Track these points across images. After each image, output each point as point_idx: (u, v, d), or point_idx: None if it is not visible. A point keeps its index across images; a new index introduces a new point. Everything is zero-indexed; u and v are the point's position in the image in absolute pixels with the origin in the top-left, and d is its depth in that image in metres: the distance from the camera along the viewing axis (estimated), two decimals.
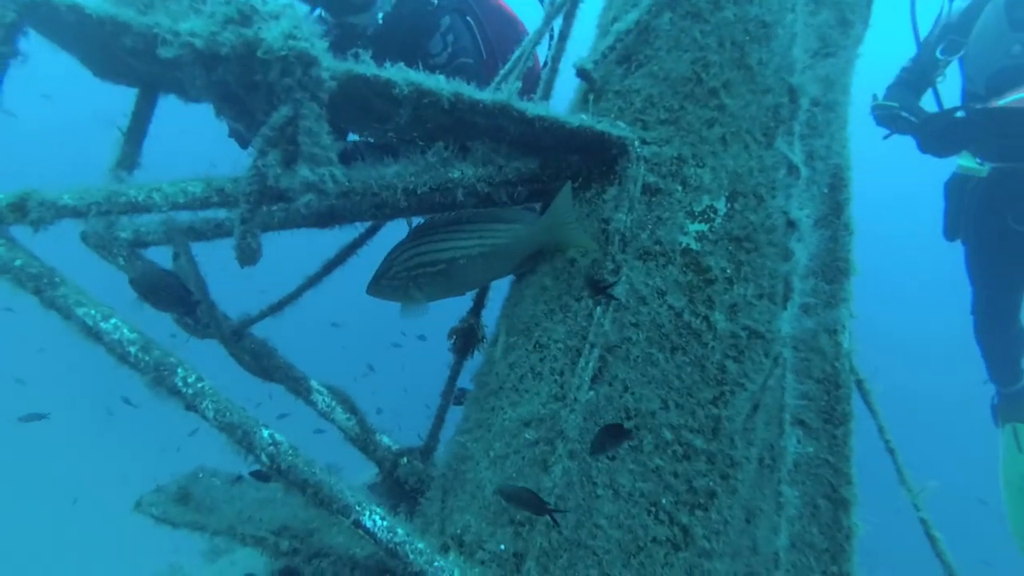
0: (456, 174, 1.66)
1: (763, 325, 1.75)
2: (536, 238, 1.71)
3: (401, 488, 2.03)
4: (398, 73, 1.57)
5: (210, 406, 1.52)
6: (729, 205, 1.73)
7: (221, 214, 2.12)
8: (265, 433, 1.52)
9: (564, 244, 1.68)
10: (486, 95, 1.60)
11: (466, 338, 2.16)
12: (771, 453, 1.86)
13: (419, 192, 1.65)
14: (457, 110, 1.61)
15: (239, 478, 1.88)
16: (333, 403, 2.07)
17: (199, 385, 1.54)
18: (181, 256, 2.11)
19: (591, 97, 1.79)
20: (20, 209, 1.54)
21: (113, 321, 1.56)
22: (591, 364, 1.59)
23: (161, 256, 2.21)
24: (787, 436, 1.55)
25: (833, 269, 1.95)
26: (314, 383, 2.09)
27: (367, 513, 1.49)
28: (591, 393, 1.58)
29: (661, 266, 1.67)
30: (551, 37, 2.35)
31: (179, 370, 1.54)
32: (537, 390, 1.64)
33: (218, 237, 2.12)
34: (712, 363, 1.70)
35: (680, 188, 1.70)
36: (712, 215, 1.72)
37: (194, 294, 2.03)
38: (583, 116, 1.63)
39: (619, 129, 1.65)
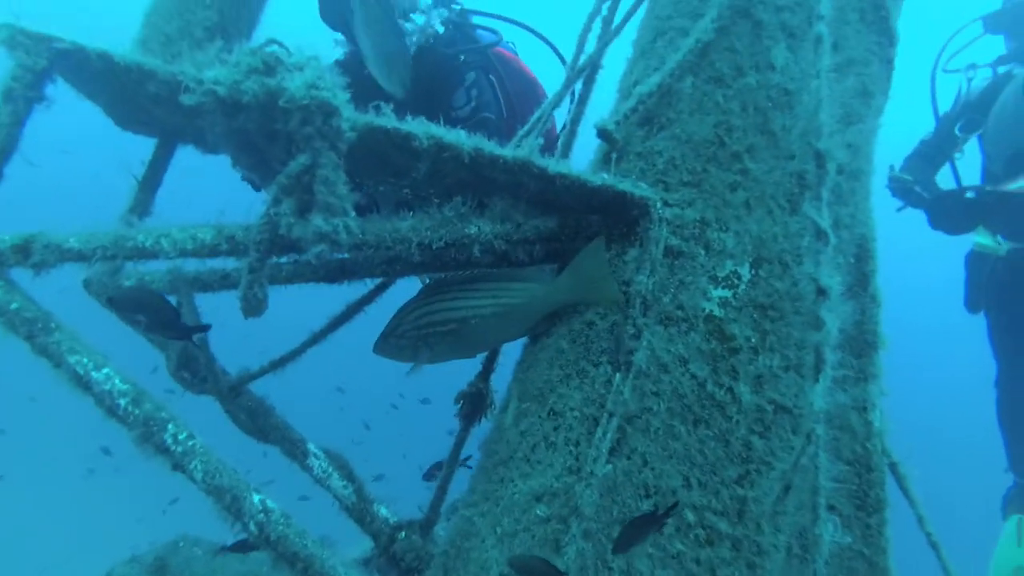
0: (473, 230, 1.61)
1: (790, 399, 1.65)
2: (554, 297, 1.64)
3: (398, 565, 1.87)
4: (419, 126, 1.55)
5: (199, 466, 1.41)
6: (753, 271, 1.66)
7: (229, 264, 2.08)
8: (256, 499, 1.41)
9: (590, 301, 1.61)
10: (507, 151, 1.57)
11: (474, 403, 2.05)
12: (801, 541, 1.71)
13: (434, 247, 1.60)
14: (477, 165, 1.58)
15: (223, 549, 1.74)
16: (330, 469, 1.95)
17: (190, 443, 1.43)
18: (184, 307, 2.05)
19: (613, 157, 1.76)
20: (24, 251, 1.49)
21: (106, 371, 1.48)
22: (609, 435, 1.48)
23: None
24: (822, 523, 1.42)
25: (861, 342, 1.86)
26: (311, 446, 1.98)
27: None
28: (608, 467, 1.46)
29: (683, 332, 1.59)
30: (571, 99, 2.36)
31: (169, 426, 1.44)
32: (550, 461, 1.52)
33: (224, 288, 2.06)
34: (737, 438, 1.59)
35: (703, 252, 1.64)
36: (736, 281, 1.65)
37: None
38: (604, 175, 1.60)
39: (641, 189, 1.61)
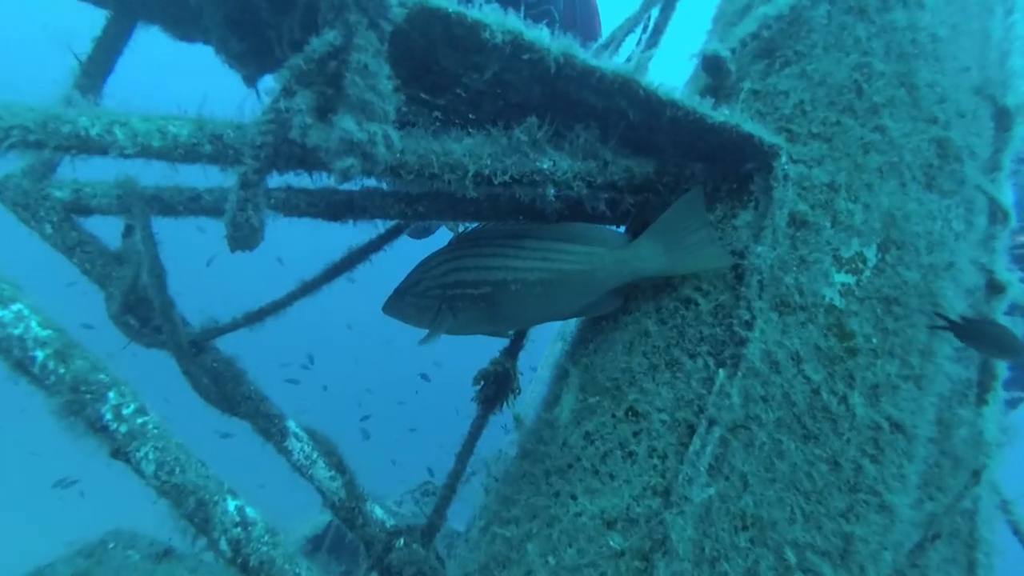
0: (547, 164, 1.22)
1: (907, 416, 1.34)
2: (631, 265, 1.27)
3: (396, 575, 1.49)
4: (492, 15, 1.13)
5: (150, 455, 0.98)
6: (880, 255, 1.34)
7: (208, 176, 1.61)
8: (231, 506, 0.99)
9: (687, 271, 1.25)
10: (606, 63, 1.17)
11: (498, 385, 1.67)
12: None
13: (496, 180, 1.20)
14: (563, 77, 1.18)
15: (167, 552, 1.31)
16: (314, 454, 1.54)
17: (138, 421, 1.00)
18: (137, 232, 1.57)
19: (719, 94, 1.39)
20: None
21: (17, 307, 1.02)
22: (709, 448, 1.14)
23: (110, 229, 1.66)
24: None
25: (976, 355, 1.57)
26: (292, 424, 1.55)
27: None
28: (710, 490, 1.12)
29: (801, 324, 1.25)
30: (644, 28, 1.97)
31: (110, 394, 1.00)
32: (628, 476, 1.17)
33: (194, 214, 1.60)
34: (847, 460, 1.28)
35: (829, 225, 1.30)
36: (860, 265, 1.32)
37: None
38: (726, 111, 1.22)
39: (770, 135, 1.24)
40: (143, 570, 1.20)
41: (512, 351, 1.71)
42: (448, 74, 1.31)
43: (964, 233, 1.42)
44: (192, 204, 1.60)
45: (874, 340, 1.31)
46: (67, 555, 1.20)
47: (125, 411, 0.99)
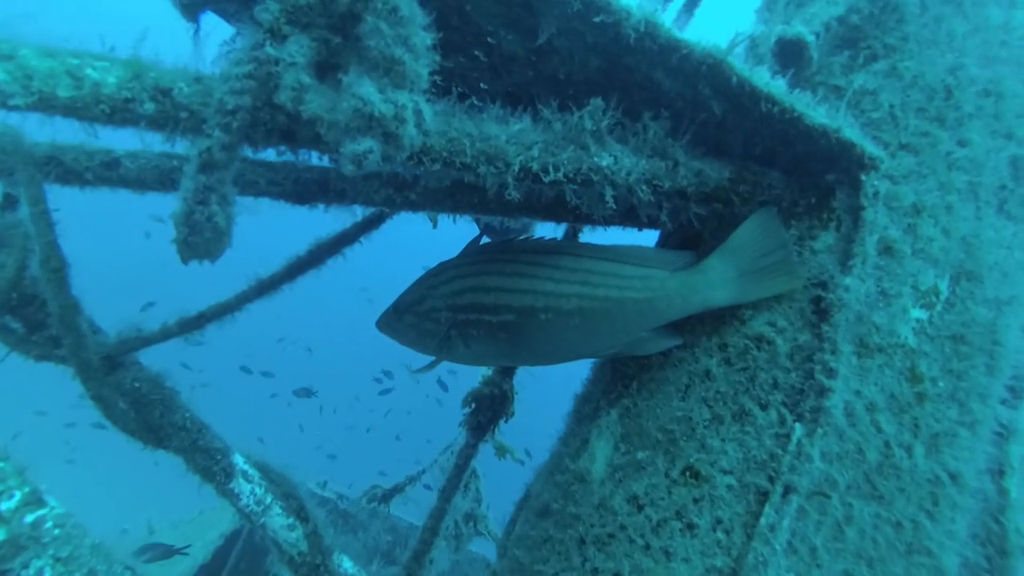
0: (607, 161, 0.95)
1: (963, 465, 1.22)
2: (699, 294, 1.04)
3: None
4: None
5: (46, 572, 0.66)
6: (952, 288, 1.18)
7: (124, 138, 1.21)
8: None
9: (759, 298, 1.04)
10: (694, 39, 0.92)
11: (491, 409, 1.42)
12: None
13: (545, 179, 0.92)
14: (635, 51, 0.91)
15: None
16: (268, 498, 1.22)
17: (28, 519, 0.67)
18: (26, 206, 1.16)
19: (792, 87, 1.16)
20: None
21: None
22: (786, 522, 0.94)
23: None
24: None
25: (1011, 389, 1.48)
26: (239, 460, 1.23)
27: None
28: (790, 574, 0.93)
29: (879, 368, 1.08)
30: None
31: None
32: (687, 554, 0.96)
33: (109, 185, 1.21)
34: (907, 519, 1.13)
35: (910, 252, 1.12)
36: (934, 299, 1.16)
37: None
38: (823, 111, 1.00)
39: (873, 146, 1.04)
40: None
41: (508, 370, 1.46)
42: (471, 29, 1.00)
43: None
44: (107, 172, 1.21)
45: (940, 384, 1.17)
46: None
47: (4, 505, 0.65)
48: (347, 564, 1.27)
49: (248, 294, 1.26)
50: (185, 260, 0.78)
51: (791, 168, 1.09)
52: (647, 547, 0.97)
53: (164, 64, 0.82)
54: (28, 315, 1.14)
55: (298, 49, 0.77)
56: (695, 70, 0.93)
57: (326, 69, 0.80)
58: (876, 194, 1.07)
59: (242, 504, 1.21)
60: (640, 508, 1.00)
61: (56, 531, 0.65)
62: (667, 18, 0.93)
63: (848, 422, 1.05)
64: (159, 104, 0.78)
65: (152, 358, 1.30)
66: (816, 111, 0.98)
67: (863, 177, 1.06)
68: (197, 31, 1.22)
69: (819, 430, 0.99)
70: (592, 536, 1.02)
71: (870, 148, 1.02)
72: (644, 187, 0.98)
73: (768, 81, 0.94)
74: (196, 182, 0.75)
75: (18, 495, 0.65)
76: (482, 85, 1.17)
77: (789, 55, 1.14)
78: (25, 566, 0.63)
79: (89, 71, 0.75)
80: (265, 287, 1.27)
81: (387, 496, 2.60)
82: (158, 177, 1.24)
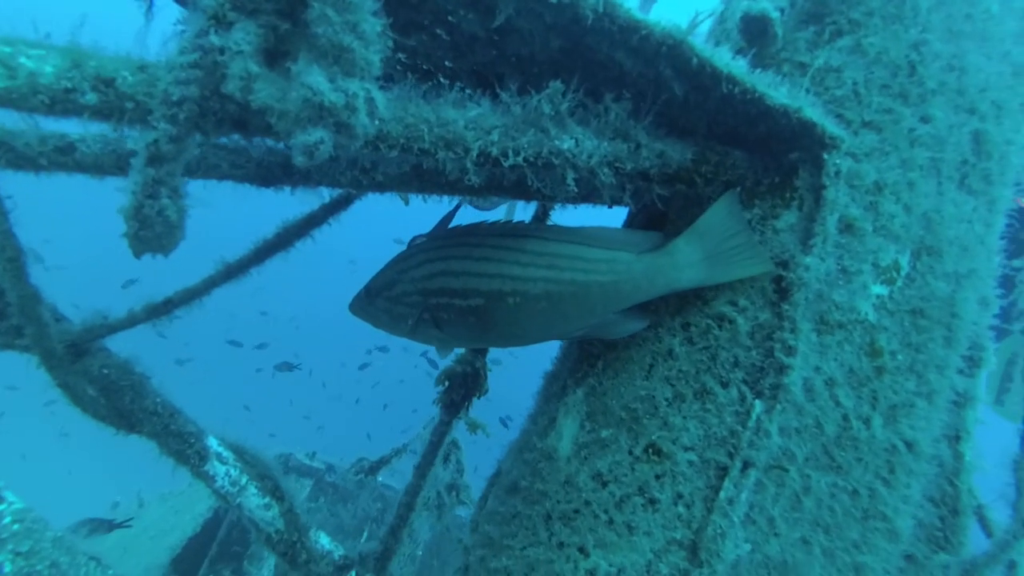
0: (568, 144, 0.95)
1: (920, 434, 1.26)
2: (666, 275, 1.05)
3: None
4: None
5: (6, 567, 0.67)
6: (912, 263, 1.20)
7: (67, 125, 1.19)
8: None
9: (723, 281, 1.05)
10: (653, 19, 0.91)
11: (465, 387, 1.43)
12: None
13: (504, 163, 0.92)
14: (594, 31, 0.90)
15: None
16: (242, 479, 1.24)
17: None
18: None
19: (756, 65, 1.16)
20: None
21: None
22: (744, 495, 0.98)
23: None
24: None
25: (968, 359, 1.52)
26: (213, 443, 1.24)
27: None
28: (746, 547, 0.97)
29: (838, 344, 1.10)
30: None
31: None
32: (649, 527, 0.99)
33: (63, 170, 1.18)
34: (864, 487, 1.17)
35: (871, 229, 1.14)
36: (895, 275, 1.18)
37: None
38: (785, 90, 1.00)
39: (834, 125, 1.04)
40: None
41: (481, 349, 1.47)
42: (430, 7, 0.98)
43: (984, 236, 1.33)
44: (61, 157, 1.18)
45: (899, 357, 1.20)
46: None
47: None
48: (324, 540, 1.30)
49: (215, 278, 1.25)
50: (137, 255, 0.77)
51: (754, 147, 1.09)
52: (611, 522, 1.00)
53: (105, 51, 0.80)
54: None
55: (244, 36, 0.75)
56: (655, 51, 0.92)
57: (275, 56, 0.78)
58: (838, 173, 1.08)
59: (217, 486, 1.23)
60: (604, 484, 1.03)
61: (15, 526, 0.66)
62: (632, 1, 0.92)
63: (807, 397, 1.07)
64: (101, 94, 0.76)
65: (136, 333, 1.29)
66: (778, 91, 0.98)
67: (825, 156, 1.07)
68: (150, 8, 1.18)
69: (778, 406, 1.02)
70: (558, 512, 1.05)
71: (831, 128, 1.03)
72: (606, 169, 0.98)
73: (729, 62, 0.93)
74: (144, 175, 0.74)
75: None
76: (447, 63, 1.15)
77: (754, 32, 1.13)
78: None
79: (23, 60, 0.73)
80: (233, 271, 1.27)
81: (374, 468, 2.65)
82: (115, 161, 1.21)
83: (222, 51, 0.74)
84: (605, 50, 0.95)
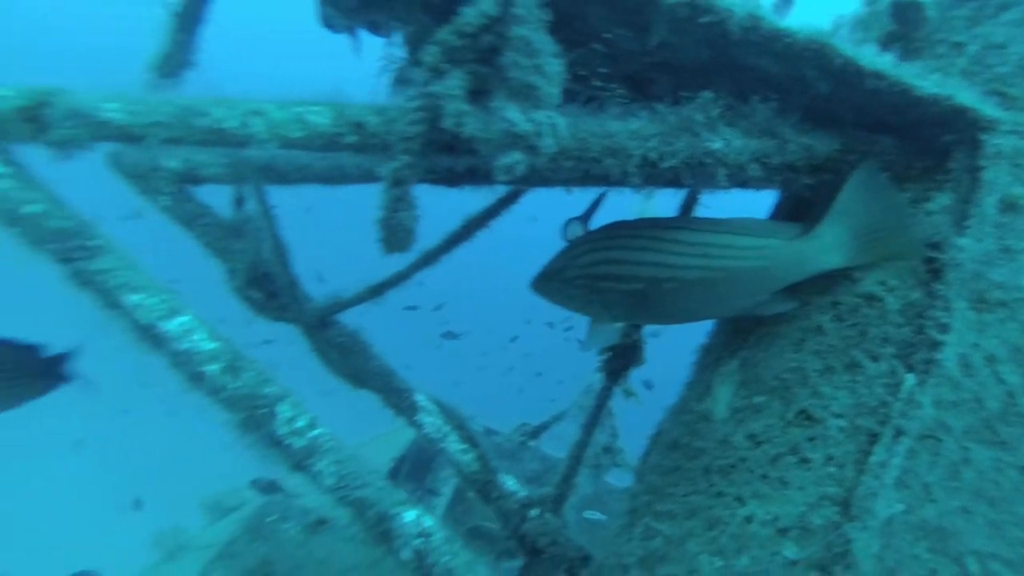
0: (718, 144, 1.08)
1: None
2: (816, 260, 1.14)
3: (528, 547, 1.52)
4: None
5: (329, 469, 0.97)
6: None
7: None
8: (409, 517, 0.98)
9: (872, 261, 1.12)
10: (796, 26, 1.00)
11: (624, 357, 1.61)
12: None
13: (662, 165, 1.07)
14: (740, 43, 1.01)
15: (320, 523, 1.35)
16: (445, 428, 1.53)
17: (313, 434, 0.98)
18: (251, 202, 1.51)
19: (907, 47, 1.19)
20: (36, 119, 0.93)
21: (180, 321, 0.98)
22: (896, 461, 1.06)
23: (220, 197, 1.61)
24: None
25: None
26: (421, 398, 1.54)
27: None
28: (898, 507, 1.05)
29: (1000, 321, 1.12)
30: None
31: (281, 408, 0.98)
32: (802, 483, 1.11)
33: (304, 182, 1.52)
34: None
35: None
36: None
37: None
38: (936, 78, 1.04)
39: (992, 108, 1.06)
40: (300, 543, 1.24)
41: (639, 324, 1.63)
42: (589, 29, 1.15)
43: None
44: (303, 173, 1.53)
45: None
46: (235, 533, 1.24)
47: (298, 424, 0.97)
48: (511, 482, 1.56)
49: (417, 263, 1.54)
50: (387, 253, 1.04)
51: (904, 133, 1.14)
52: (765, 476, 1.14)
53: (354, 100, 1.07)
54: (264, 288, 1.51)
55: (455, 83, 0.98)
56: (799, 55, 1.02)
57: (477, 94, 1.00)
58: (997, 153, 1.09)
59: (426, 432, 1.54)
60: (758, 444, 1.16)
61: (330, 443, 0.96)
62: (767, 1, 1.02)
63: (964, 373, 1.11)
64: (358, 135, 1.03)
65: None
66: (927, 80, 1.03)
67: (983, 137, 1.09)
68: (356, 44, 1.48)
69: (931, 380, 1.08)
70: (716, 466, 1.20)
71: (988, 110, 1.05)
72: (754, 165, 1.09)
73: (874, 58, 1.00)
74: (390, 195, 1.00)
75: (303, 419, 0.97)
76: (601, 70, 1.32)
77: (905, 16, 1.16)
78: (314, 464, 0.95)
79: (310, 116, 1.01)
80: (430, 257, 1.55)
81: (537, 431, 2.93)
82: (339, 175, 1.53)
83: (439, 96, 0.97)
84: (752, 58, 1.06)
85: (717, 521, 1.15)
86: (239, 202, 1.60)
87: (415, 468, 3.93)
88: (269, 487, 3.75)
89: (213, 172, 1.55)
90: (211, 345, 0.98)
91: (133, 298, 0.96)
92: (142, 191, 1.55)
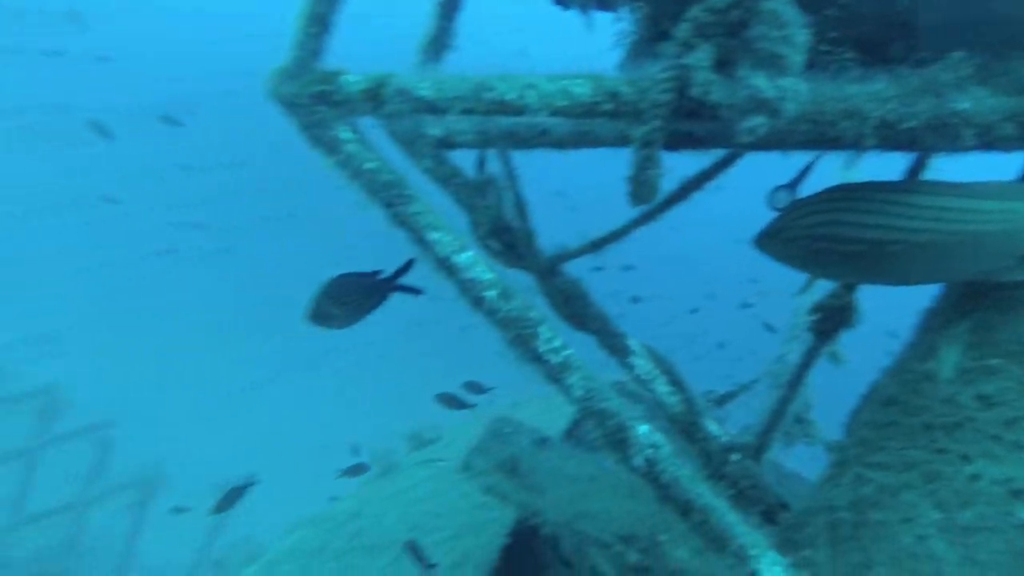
0: (966, 104, 1.08)
1: None
2: None
3: (730, 487, 1.64)
4: None
5: (578, 383, 1.18)
6: None
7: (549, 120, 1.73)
8: (643, 430, 1.17)
9: None
10: None
11: (835, 319, 1.64)
12: None
13: (901, 127, 1.10)
14: None
15: (544, 441, 1.59)
16: (655, 371, 1.70)
17: (565, 354, 1.20)
18: (494, 164, 1.77)
19: None
20: (375, 97, 1.23)
21: (467, 255, 1.25)
22: None
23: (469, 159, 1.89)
24: None
25: None
26: (633, 343, 1.72)
27: (765, 564, 1.11)
28: None
29: None
30: None
31: (542, 330, 1.21)
32: None
33: (543, 147, 1.74)
34: None
35: None
36: None
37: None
38: None
39: None
40: (535, 455, 1.49)
41: (852, 285, 1.65)
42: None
43: None
44: (542, 138, 1.74)
45: None
46: (482, 441, 1.53)
47: (555, 344, 1.19)
48: (713, 426, 1.68)
49: (637, 221, 1.69)
50: (634, 205, 1.21)
51: None
52: (997, 438, 1.14)
53: (607, 74, 1.24)
54: (503, 238, 1.77)
55: (704, 55, 1.10)
56: None
57: (723, 64, 1.12)
58: None
59: (636, 374, 1.71)
60: (991, 406, 1.16)
61: (578, 362, 1.17)
62: None
63: None
64: (613, 103, 1.20)
65: None
66: None
67: None
68: (588, 21, 1.65)
69: None
70: (939, 423, 1.22)
71: None
72: (1008, 124, 1.08)
73: None
74: (639, 156, 1.17)
75: (558, 340, 1.19)
76: (831, 34, 1.35)
77: None
78: (567, 379, 1.17)
79: (574, 88, 1.21)
80: (648, 216, 1.70)
81: (723, 399, 2.99)
82: (575, 139, 1.73)
83: (691, 67, 1.11)
84: (1008, 8, 1.04)
85: (937, 475, 1.18)
86: (481, 165, 1.87)
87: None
88: (452, 401, 4.28)
89: (467, 138, 1.83)
90: (489, 275, 1.23)
91: (434, 235, 1.24)
92: (408, 154, 1.88)
